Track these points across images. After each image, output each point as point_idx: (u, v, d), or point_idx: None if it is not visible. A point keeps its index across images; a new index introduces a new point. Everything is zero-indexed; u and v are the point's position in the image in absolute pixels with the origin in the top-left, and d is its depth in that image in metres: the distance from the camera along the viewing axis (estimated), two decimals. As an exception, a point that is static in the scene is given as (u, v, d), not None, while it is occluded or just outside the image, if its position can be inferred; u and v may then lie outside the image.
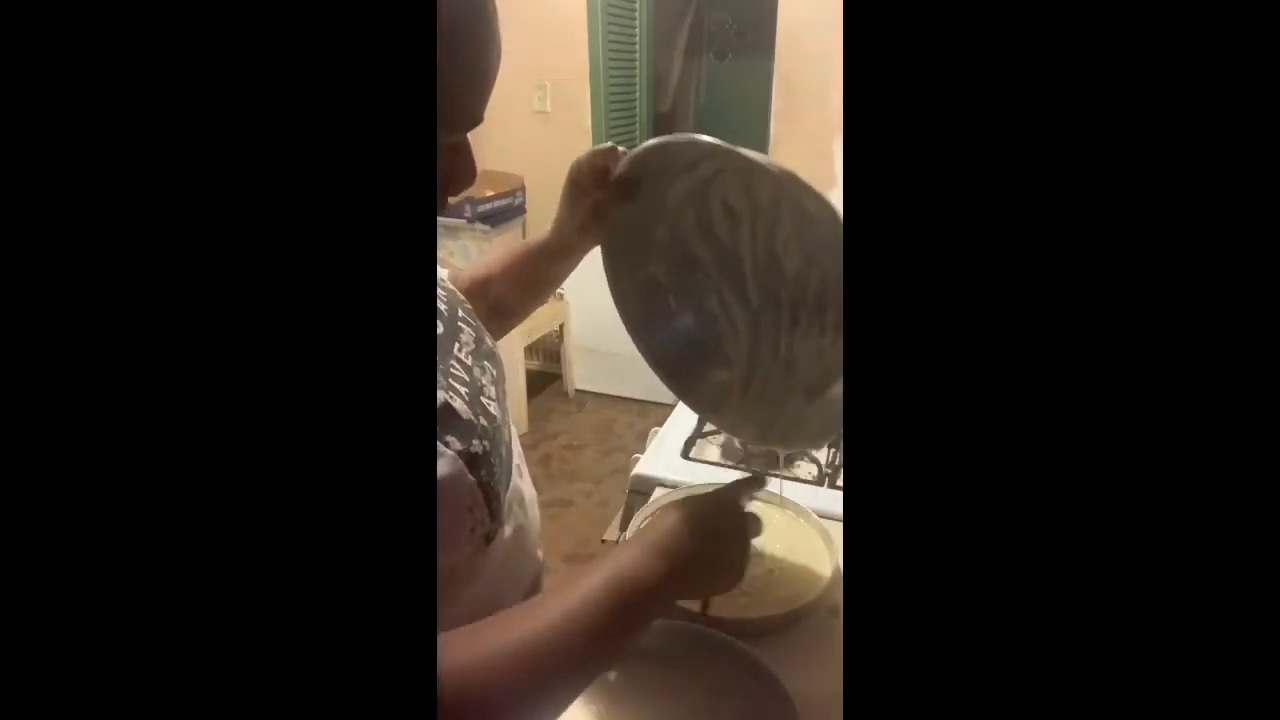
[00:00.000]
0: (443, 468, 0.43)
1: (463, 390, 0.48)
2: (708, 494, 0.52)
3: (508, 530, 0.52)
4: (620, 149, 0.61)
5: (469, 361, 0.52)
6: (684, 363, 0.70)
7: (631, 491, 0.93)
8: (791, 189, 0.54)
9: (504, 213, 2.52)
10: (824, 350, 0.64)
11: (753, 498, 0.51)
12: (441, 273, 0.57)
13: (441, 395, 0.45)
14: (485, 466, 0.46)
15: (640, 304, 0.70)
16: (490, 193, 2.43)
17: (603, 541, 1.96)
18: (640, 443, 1.13)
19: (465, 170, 0.44)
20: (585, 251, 0.68)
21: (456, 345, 0.51)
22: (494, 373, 0.55)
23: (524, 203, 2.66)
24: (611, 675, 0.59)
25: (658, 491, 0.87)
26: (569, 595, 0.42)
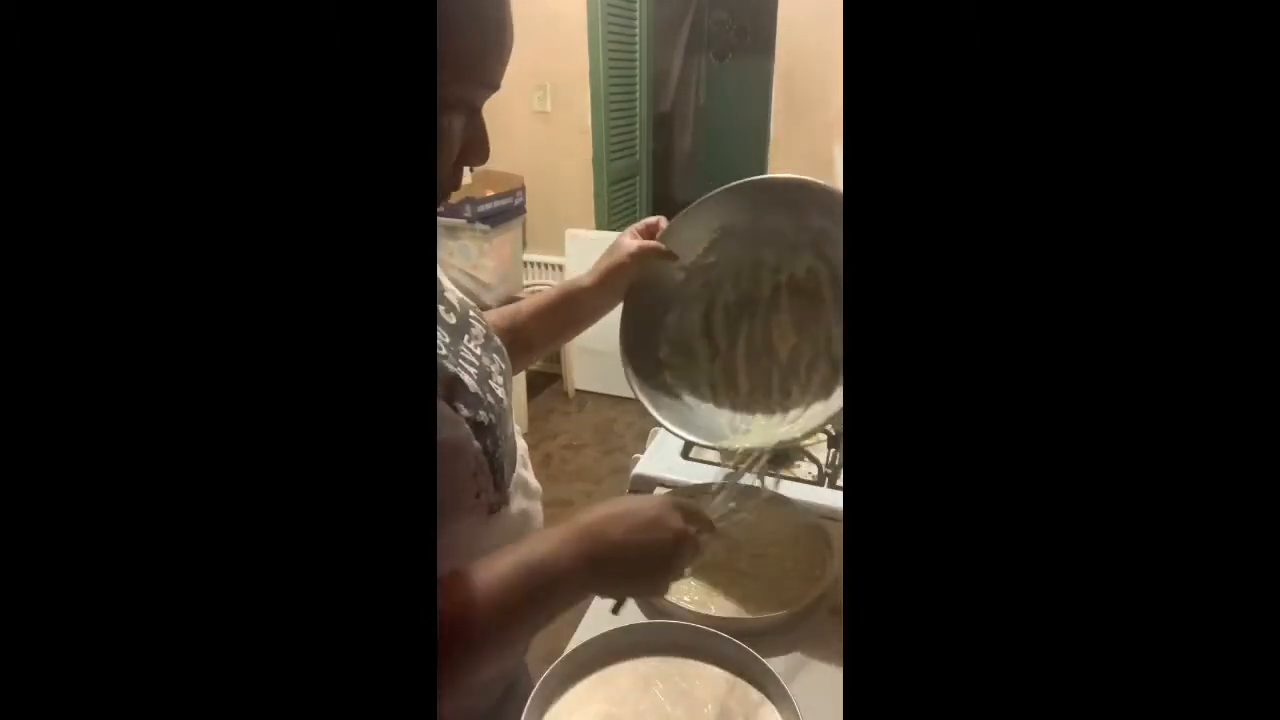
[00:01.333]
0: (449, 430, 0.45)
1: (472, 370, 0.50)
2: (649, 499, 0.52)
3: (514, 509, 0.54)
4: (664, 222, 0.71)
5: (478, 351, 0.54)
6: (676, 416, 0.73)
7: (631, 491, 0.93)
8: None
9: (504, 213, 2.52)
10: (810, 403, 0.69)
11: (691, 520, 0.51)
12: (444, 278, 0.58)
13: (453, 369, 0.48)
14: (490, 437, 0.49)
15: (644, 371, 0.74)
16: (490, 193, 2.43)
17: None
18: (640, 443, 1.13)
19: (479, 144, 0.44)
20: (618, 298, 0.71)
21: (467, 336, 0.54)
22: (501, 365, 0.57)
23: (524, 203, 2.66)
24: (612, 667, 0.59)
25: (658, 491, 0.87)
26: (490, 569, 0.43)
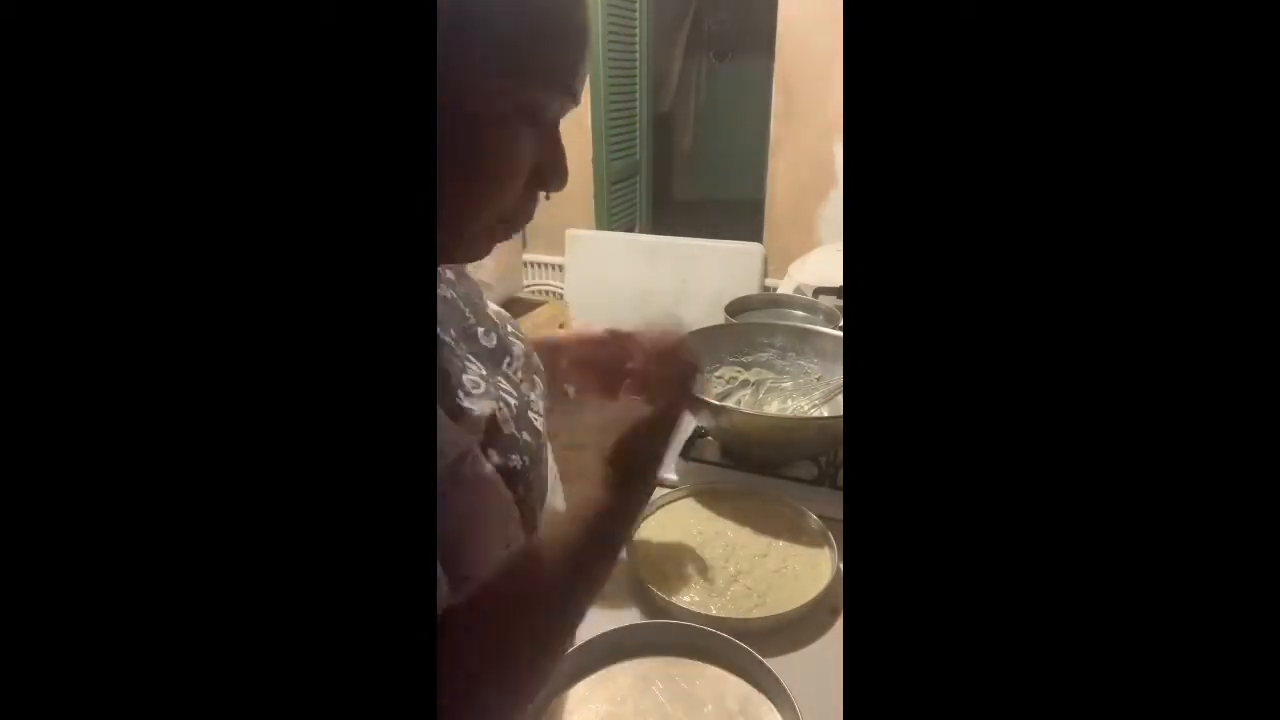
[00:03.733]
0: (479, 481, 0.42)
1: (512, 404, 0.47)
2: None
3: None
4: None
5: (518, 376, 0.51)
6: None
7: (631, 491, 0.93)
8: None
9: (504, 213, 2.52)
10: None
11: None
12: (491, 298, 0.56)
13: (490, 406, 0.44)
14: (523, 482, 0.45)
15: None
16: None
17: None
18: (640, 443, 1.14)
19: (559, 165, 0.39)
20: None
21: (507, 359, 0.51)
22: (541, 388, 0.54)
23: (524, 203, 2.66)
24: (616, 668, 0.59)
25: (658, 491, 0.87)
26: (552, 548, 0.42)
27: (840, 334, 1.05)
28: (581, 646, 0.60)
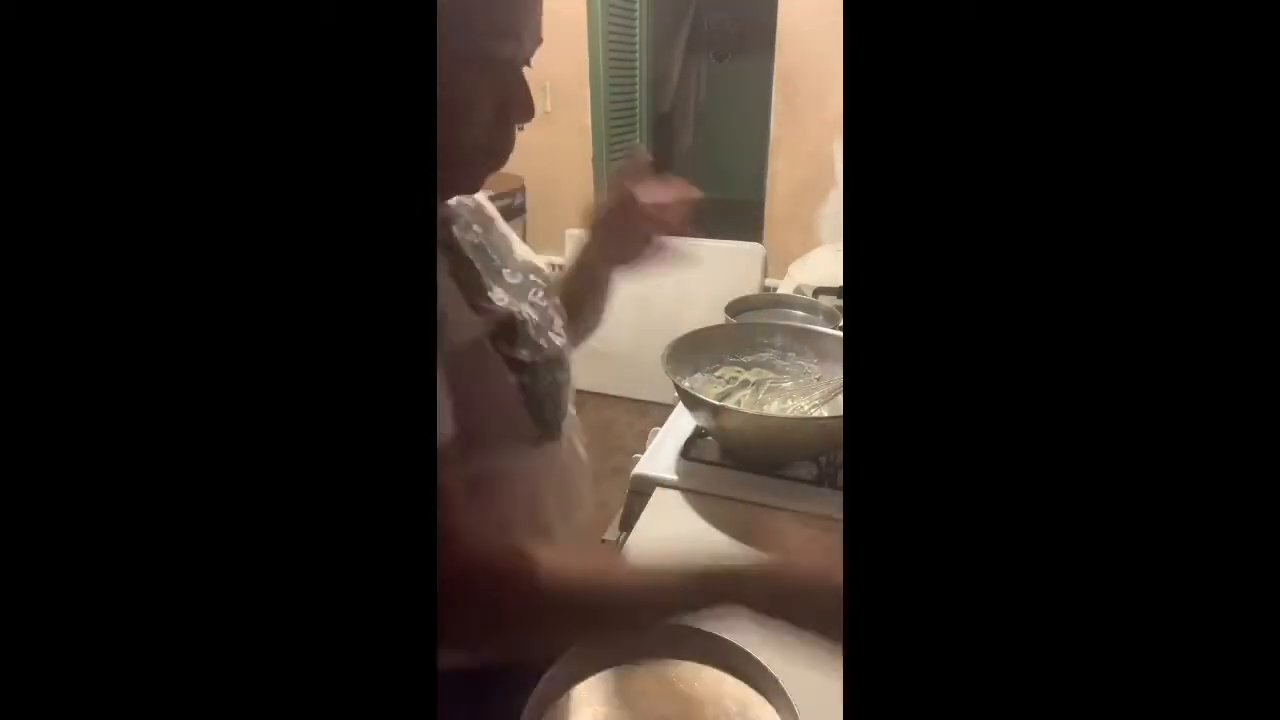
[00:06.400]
0: (488, 370, 0.50)
1: (534, 316, 0.55)
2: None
3: (563, 446, 0.60)
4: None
5: (544, 303, 0.59)
6: None
7: (631, 492, 0.93)
8: None
9: (504, 213, 2.53)
10: None
11: None
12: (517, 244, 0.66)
13: (511, 309, 0.52)
14: (530, 374, 0.52)
15: None
16: (490, 193, 2.44)
17: (602, 541, 1.95)
18: (640, 443, 1.13)
19: (521, 99, 0.47)
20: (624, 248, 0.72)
21: (532, 291, 0.59)
22: (561, 322, 0.61)
23: (524, 203, 2.66)
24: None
25: (658, 491, 0.87)
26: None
27: (840, 334, 1.05)
28: (581, 647, 0.60)
